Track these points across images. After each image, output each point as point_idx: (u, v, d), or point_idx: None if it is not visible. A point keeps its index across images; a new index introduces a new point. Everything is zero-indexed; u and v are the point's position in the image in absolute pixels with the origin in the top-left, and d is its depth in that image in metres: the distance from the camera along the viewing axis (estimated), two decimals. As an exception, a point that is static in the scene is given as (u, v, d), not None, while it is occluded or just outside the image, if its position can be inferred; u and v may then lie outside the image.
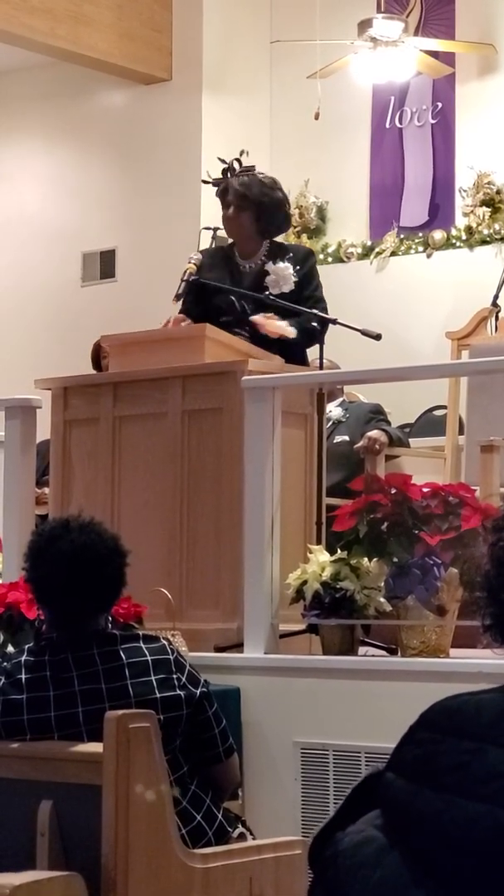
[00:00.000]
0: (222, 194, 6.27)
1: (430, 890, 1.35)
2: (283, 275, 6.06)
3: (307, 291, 6.10)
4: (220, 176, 6.28)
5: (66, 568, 3.76)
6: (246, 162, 6.35)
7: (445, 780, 1.37)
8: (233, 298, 6.13)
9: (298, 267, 6.11)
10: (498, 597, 1.55)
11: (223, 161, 6.32)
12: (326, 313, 6.05)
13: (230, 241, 6.41)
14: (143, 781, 3.50)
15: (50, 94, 10.35)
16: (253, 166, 6.37)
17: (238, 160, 6.31)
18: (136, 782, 3.49)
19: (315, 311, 5.99)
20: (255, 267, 6.20)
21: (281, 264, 6.09)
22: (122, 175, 10.10)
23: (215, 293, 6.14)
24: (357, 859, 1.40)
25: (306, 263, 6.19)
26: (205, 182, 6.43)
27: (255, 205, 6.18)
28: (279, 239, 6.46)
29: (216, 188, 6.32)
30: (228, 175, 6.26)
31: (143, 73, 9.78)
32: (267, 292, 6.05)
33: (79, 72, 9.91)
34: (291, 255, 6.20)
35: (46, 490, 6.44)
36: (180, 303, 6.17)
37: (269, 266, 6.11)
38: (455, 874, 1.34)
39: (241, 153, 6.36)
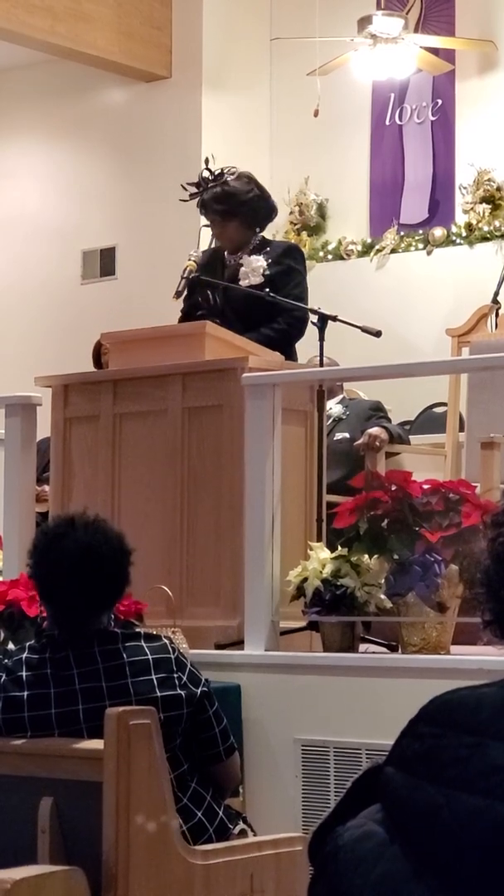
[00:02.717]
0: (202, 208, 6.25)
1: (430, 884, 1.35)
2: (252, 267, 6.07)
3: (284, 291, 6.07)
4: (196, 189, 6.22)
5: (70, 567, 3.76)
6: (229, 162, 6.31)
7: (446, 774, 1.37)
8: (209, 292, 6.14)
9: (270, 261, 6.11)
10: (497, 593, 1.55)
11: (206, 162, 6.26)
12: (298, 322, 6.05)
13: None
14: (144, 779, 3.50)
15: (50, 91, 10.35)
16: (222, 170, 6.26)
17: (208, 169, 6.24)
18: (137, 779, 3.49)
19: (290, 301, 5.99)
20: (235, 261, 6.22)
21: (254, 257, 6.10)
22: (122, 173, 10.10)
23: (198, 288, 6.15)
24: (357, 853, 1.40)
25: (284, 259, 6.16)
26: (183, 200, 6.35)
27: (238, 212, 6.17)
28: (269, 235, 6.47)
29: (196, 201, 6.27)
30: (201, 188, 6.20)
31: (143, 70, 9.78)
32: (246, 284, 6.07)
33: (78, 69, 9.90)
34: (269, 249, 6.20)
35: (46, 487, 6.44)
36: (181, 300, 6.18)
37: (244, 258, 6.12)
38: (456, 868, 1.34)
39: (206, 161, 6.31)
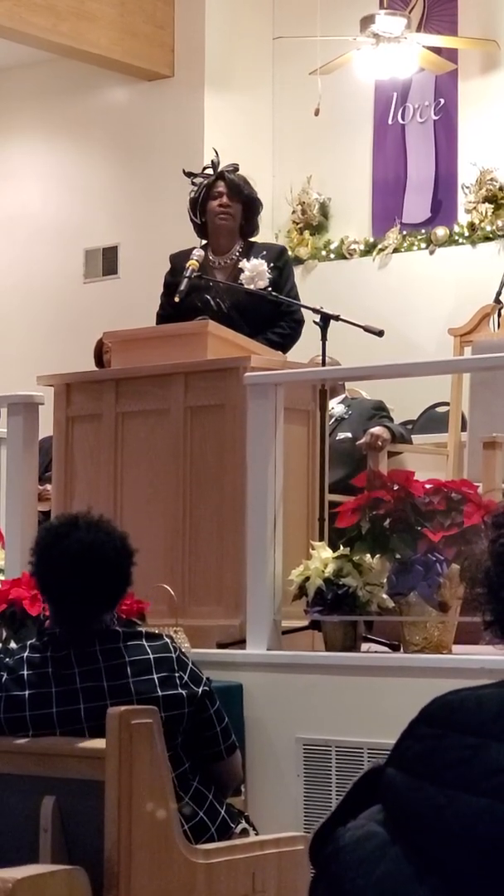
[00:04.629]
0: (209, 186, 6.28)
1: (432, 885, 1.35)
2: (258, 271, 6.07)
3: (283, 292, 6.14)
4: (209, 170, 6.31)
5: (72, 566, 3.76)
6: (231, 161, 6.37)
7: (447, 775, 1.37)
8: (208, 297, 6.14)
9: (272, 264, 6.14)
10: (498, 594, 1.55)
11: (216, 152, 6.34)
12: (299, 326, 6.20)
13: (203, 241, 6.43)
14: (146, 778, 3.50)
15: (52, 90, 10.35)
16: (237, 165, 6.38)
17: (217, 154, 6.35)
18: (139, 778, 3.50)
19: (298, 303, 6.12)
20: (228, 264, 6.23)
21: (255, 260, 6.11)
22: (124, 171, 10.10)
23: (193, 291, 6.13)
24: (359, 854, 1.41)
25: (280, 260, 6.24)
26: (190, 174, 6.40)
27: (246, 200, 6.27)
28: (272, 234, 6.52)
29: (202, 180, 6.30)
30: (214, 169, 6.31)
31: (146, 69, 9.78)
32: (250, 287, 6.08)
33: (81, 68, 9.90)
34: (265, 252, 6.24)
35: (49, 486, 6.44)
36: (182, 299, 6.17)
37: (243, 263, 6.12)
38: (457, 869, 1.34)
39: (216, 154, 6.39)
